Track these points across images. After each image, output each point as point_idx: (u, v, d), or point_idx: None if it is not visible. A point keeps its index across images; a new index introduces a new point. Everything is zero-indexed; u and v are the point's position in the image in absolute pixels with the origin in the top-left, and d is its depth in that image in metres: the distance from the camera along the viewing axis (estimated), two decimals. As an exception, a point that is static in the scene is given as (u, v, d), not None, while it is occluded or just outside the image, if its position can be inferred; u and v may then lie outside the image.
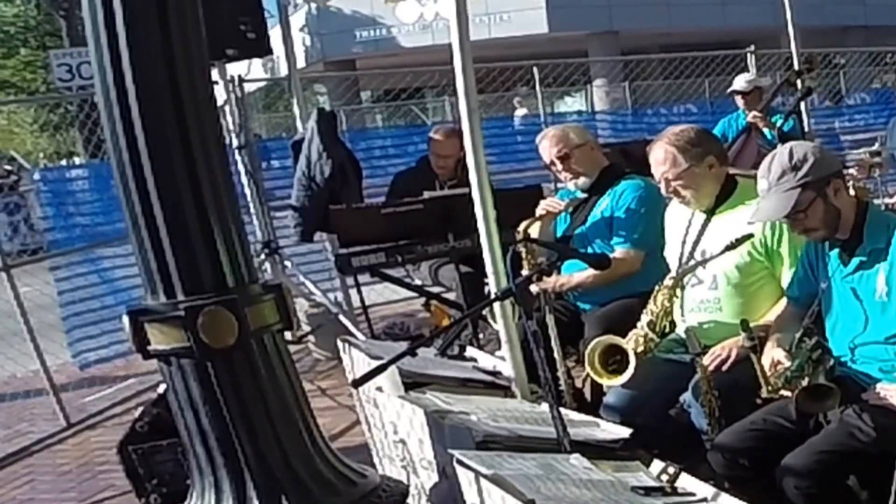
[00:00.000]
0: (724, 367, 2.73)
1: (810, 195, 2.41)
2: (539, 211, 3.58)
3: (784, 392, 2.38)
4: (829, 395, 2.31)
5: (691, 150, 2.86)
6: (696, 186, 2.89)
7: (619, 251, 3.42)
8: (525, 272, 3.39)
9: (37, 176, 10.40)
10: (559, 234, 3.67)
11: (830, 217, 2.44)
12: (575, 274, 3.49)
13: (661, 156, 2.89)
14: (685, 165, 2.86)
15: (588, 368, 2.93)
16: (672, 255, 3.06)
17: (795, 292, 2.69)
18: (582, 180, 3.56)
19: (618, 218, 3.46)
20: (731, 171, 3.06)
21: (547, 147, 3.57)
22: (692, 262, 2.91)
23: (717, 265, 2.83)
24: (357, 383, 2.31)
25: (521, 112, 12.84)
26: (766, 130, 5.31)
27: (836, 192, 2.43)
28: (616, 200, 3.48)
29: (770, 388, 2.38)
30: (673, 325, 3.00)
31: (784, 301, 2.78)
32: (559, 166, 3.56)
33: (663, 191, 2.97)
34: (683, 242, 2.98)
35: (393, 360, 2.27)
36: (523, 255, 3.35)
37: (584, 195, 3.59)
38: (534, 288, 3.30)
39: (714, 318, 2.88)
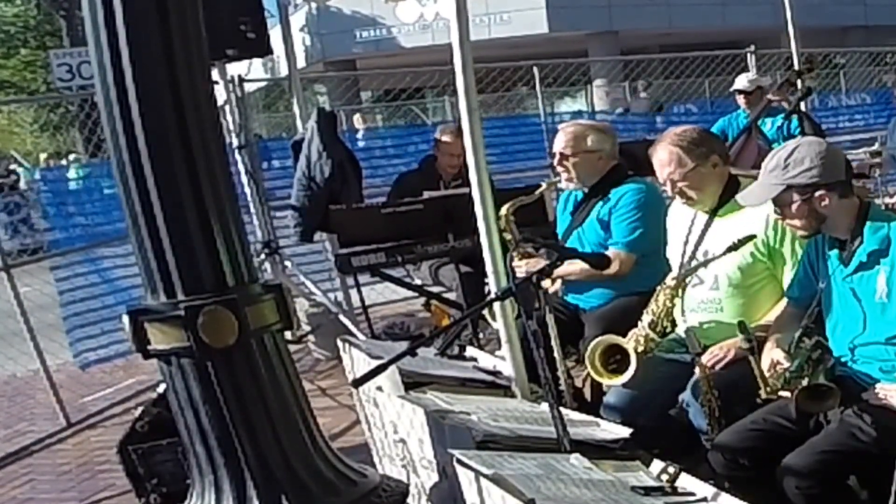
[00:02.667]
0: (719, 367, 2.74)
1: (792, 197, 2.42)
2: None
3: (783, 393, 2.38)
4: (829, 394, 2.31)
5: (696, 150, 2.86)
6: (701, 186, 2.89)
7: (610, 251, 3.42)
8: (515, 262, 3.41)
9: (37, 175, 10.41)
10: (560, 233, 3.67)
11: (812, 221, 2.45)
12: (566, 265, 3.47)
13: (665, 157, 2.89)
14: (691, 165, 2.86)
15: (588, 368, 2.93)
16: (674, 255, 3.06)
17: (795, 293, 2.69)
18: (572, 185, 3.55)
19: (615, 220, 3.45)
20: (732, 171, 3.06)
21: (560, 139, 3.56)
22: (695, 263, 2.91)
23: (719, 265, 2.83)
24: (357, 383, 2.31)
25: (361, 126, 12.01)
26: (769, 122, 5.31)
27: (823, 201, 2.41)
28: (615, 202, 3.47)
29: (769, 388, 2.38)
30: (674, 324, 3.00)
31: (784, 301, 2.78)
32: (556, 160, 3.55)
33: (669, 192, 2.97)
34: (686, 242, 2.98)
35: (393, 359, 2.27)
36: (507, 238, 3.37)
37: (585, 194, 3.59)
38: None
39: (715, 319, 2.88)
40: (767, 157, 2.53)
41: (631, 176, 3.57)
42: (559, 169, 3.56)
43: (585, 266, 3.32)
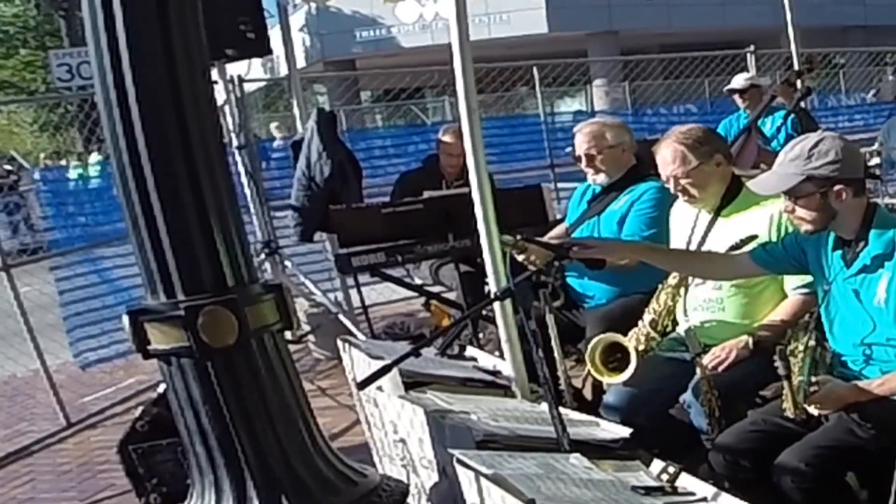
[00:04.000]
0: (721, 368, 2.74)
1: (810, 188, 2.37)
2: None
3: (811, 409, 2.32)
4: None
5: (700, 149, 2.87)
6: (704, 185, 2.89)
7: None
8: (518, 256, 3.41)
9: (37, 175, 10.41)
10: (571, 222, 3.68)
11: (823, 217, 2.40)
12: None
13: (669, 154, 2.89)
14: (695, 163, 2.86)
15: (589, 366, 2.94)
16: (677, 254, 3.06)
17: (760, 254, 2.67)
18: (601, 177, 3.57)
19: (633, 215, 3.47)
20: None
21: (580, 141, 3.58)
22: None
23: None
24: (362, 385, 2.29)
25: (278, 136, 11.49)
26: (769, 122, 5.32)
27: (840, 196, 2.37)
28: (635, 199, 3.49)
29: (797, 410, 2.28)
30: (675, 323, 3.00)
31: (787, 301, 2.78)
32: (584, 162, 3.57)
33: (671, 189, 2.97)
34: (688, 242, 2.99)
35: (397, 360, 2.27)
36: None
37: (604, 188, 3.61)
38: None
39: (716, 318, 2.88)
40: (788, 146, 2.49)
41: (651, 175, 3.58)
42: (587, 170, 3.57)
43: None
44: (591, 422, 2.41)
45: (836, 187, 2.37)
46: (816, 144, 2.39)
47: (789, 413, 2.29)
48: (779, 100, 5.43)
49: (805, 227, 2.46)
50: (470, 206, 2.77)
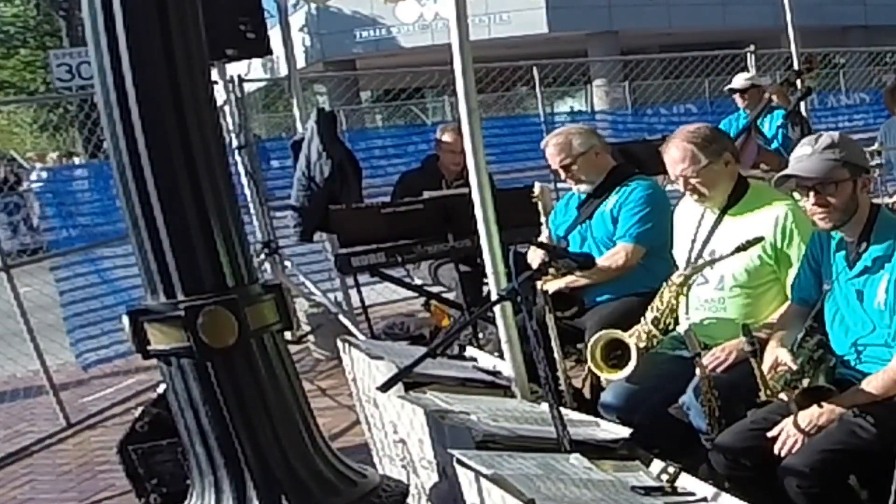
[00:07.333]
0: (720, 370, 2.74)
1: (846, 174, 2.41)
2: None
3: (783, 395, 2.37)
4: (828, 396, 2.31)
5: (709, 147, 2.86)
6: (713, 184, 2.89)
7: (619, 245, 3.45)
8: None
9: (35, 176, 10.42)
10: (562, 230, 3.68)
11: (851, 206, 2.43)
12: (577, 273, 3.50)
13: (678, 154, 2.89)
14: (704, 162, 2.86)
15: (589, 361, 2.94)
16: (681, 253, 3.06)
17: (798, 293, 2.68)
18: (584, 186, 3.58)
19: (624, 213, 3.48)
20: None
21: (550, 155, 3.60)
22: (702, 262, 2.91)
23: (726, 266, 2.83)
24: (384, 388, 2.27)
25: None
26: (767, 123, 5.32)
27: (863, 187, 2.44)
28: (624, 198, 3.50)
29: (769, 392, 2.36)
30: (677, 321, 3.00)
31: (788, 302, 2.78)
32: (562, 174, 3.58)
33: (680, 188, 2.96)
34: (693, 241, 2.98)
35: (417, 361, 2.24)
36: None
37: (589, 193, 3.61)
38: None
39: (718, 317, 2.88)
40: (806, 140, 2.53)
41: (636, 174, 3.59)
42: (568, 181, 3.59)
43: (600, 268, 3.33)
44: (590, 422, 2.42)
45: (864, 176, 2.45)
46: (839, 138, 2.47)
47: (762, 395, 2.37)
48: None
49: (831, 219, 2.45)
50: (470, 207, 2.77)
